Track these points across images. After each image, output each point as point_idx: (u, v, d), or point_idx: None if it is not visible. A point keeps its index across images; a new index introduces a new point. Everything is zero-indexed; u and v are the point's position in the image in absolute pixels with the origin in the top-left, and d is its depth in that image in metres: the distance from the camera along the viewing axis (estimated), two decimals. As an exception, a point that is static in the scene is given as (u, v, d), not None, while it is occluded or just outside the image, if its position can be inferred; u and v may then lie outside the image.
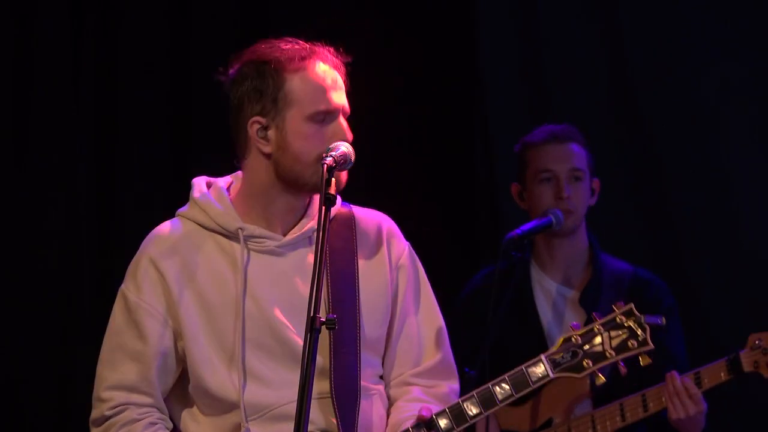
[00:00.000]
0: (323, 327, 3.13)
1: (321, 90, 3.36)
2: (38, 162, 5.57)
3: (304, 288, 3.36)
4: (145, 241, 3.53)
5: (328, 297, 3.41)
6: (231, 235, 3.45)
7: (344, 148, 3.33)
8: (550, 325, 4.74)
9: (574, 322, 3.42)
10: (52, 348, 5.53)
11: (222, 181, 3.57)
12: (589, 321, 3.43)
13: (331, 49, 3.43)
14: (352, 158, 3.35)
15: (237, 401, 3.36)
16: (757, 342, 4.47)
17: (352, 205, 3.58)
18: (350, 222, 3.52)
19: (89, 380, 5.44)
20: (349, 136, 3.38)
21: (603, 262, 4.81)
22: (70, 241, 5.57)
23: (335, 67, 3.40)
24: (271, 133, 3.40)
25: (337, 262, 3.46)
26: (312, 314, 3.12)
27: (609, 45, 5.65)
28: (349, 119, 3.45)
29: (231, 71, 3.46)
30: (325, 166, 3.25)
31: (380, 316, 3.49)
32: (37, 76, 5.59)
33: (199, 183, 3.58)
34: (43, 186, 5.57)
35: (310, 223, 3.46)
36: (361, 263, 3.48)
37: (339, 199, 3.53)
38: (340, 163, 3.30)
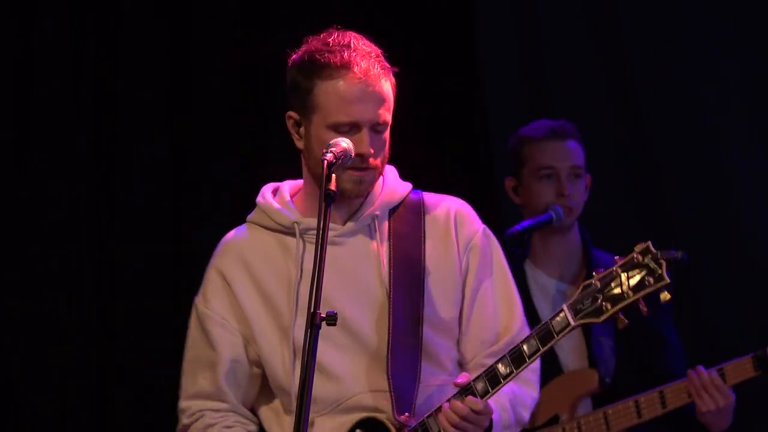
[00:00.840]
0: (323, 323, 3.12)
1: (346, 101, 3.37)
2: (38, 162, 5.56)
3: (366, 275, 3.43)
4: (215, 250, 3.60)
5: (390, 282, 3.43)
6: (290, 232, 3.50)
7: (344, 144, 3.33)
8: (548, 321, 4.73)
9: (599, 269, 3.35)
10: (51, 348, 5.53)
11: (287, 183, 3.62)
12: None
13: (375, 57, 3.41)
14: (353, 154, 3.35)
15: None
16: None
17: (423, 192, 3.60)
18: (419, 208, 3.54)
19: (88, 380, 5.51)
20: (368, 150, 3.37)
21: (596, 256, 4.82)
22: (70, 242, 5.57)
23: (374, 77, 3.39)
24: (301, 130, 3.45)
25: (404, 248, 3.47)
26: (312, 310, 3.12)
27: (609, 45, 5.66)
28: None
29: (292, 57, 3.48)
30: (325, 162, 3.25)
31: (450, 298, 3.49)
32: (37, 75, 5.58)
33: (265, 188, 3.63)
34: (43, 186, 5.56)
35: (369, 209, 3.48)
36: (429, 248, 3.49)
37: (409, 187, 3.57)
38: (341, 158, 3.30)
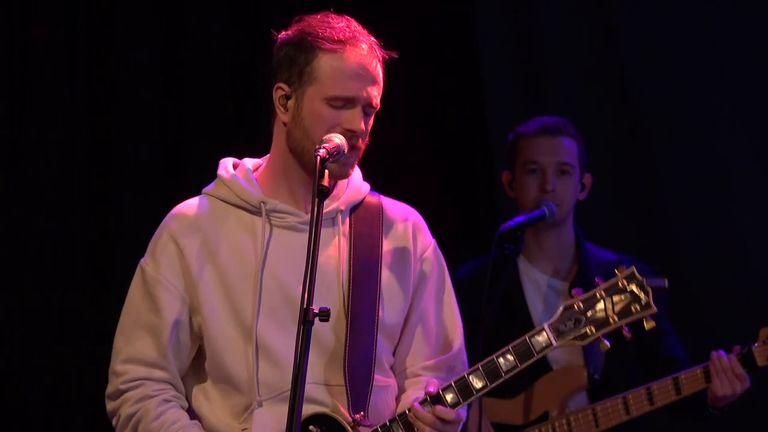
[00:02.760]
0: (316, 319, 3.11)
1: (346, 76, 3.36)
2: (33, 162, 5.57)
3: (327, 267, 3.40)
4: (167, 216, 3.53)
5: (349, 281, 3.42)
6: (254, 210, 3.46)
7: (337, 140, 3.33)
8: (541, 317, 4.74)
9: (576, 288, 3.37)
10: (46, 347, 5.54)
11: (249, 161, 3.58)
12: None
13: (373, 42, 3.43)
14: (346, 150, 3.35)
15: (250, 378, 3.37)
16: None
17: (381, 195, 3.59)
18: (378, 210, 3.53)
19: (83, 378, 5.51)
20: (360, 127, 3.37)
21: (589, 253, 4.83)
22: (64, 241, 5.57)
23: (372, 59, 3.40)
24: (290, 103, 3.41)
25: (361, 248, 3.46)
26: (305, 306, 3.11)
27: (606, 43, 5.67)
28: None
29: (282, 34, 3.47)
30: (318, 158, 3.25)
31: (399, 304, 3.49)
32: (31, 77, 5.59)
33: (225, 162, 3.59)
34: (38, 186, 5.57)
35: (334, 204, 3.47)
36: (386, 251, 3.49)
37: (368, 187, 3.56)
38: (333, 154, 3.30)
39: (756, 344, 4.51)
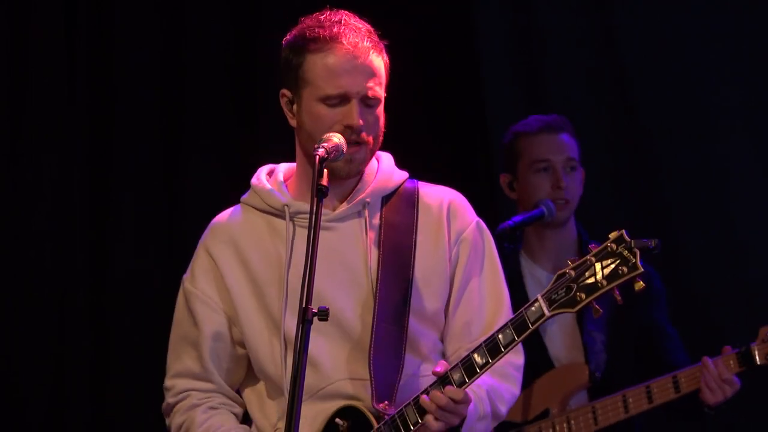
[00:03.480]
0: (315, 318, 3.12)
1: (334, 74, 3.37)
2: (33, 162, 5.57)
3: (352, 261, 3.42)
4: (206, 229, 3.59)
5: (378, 271, 3.42)
6: (281, 214, 3.49)
7: (336, 139, 3.33)
8: (542, 314, 4.75)
9: (572, 257, 3.35)
10: (46, 347, 5.53)
11: (283, 166, 3.61)
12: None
13: (365, 32, 3.42)
14: (345, 149, 3.34)
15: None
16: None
17: (419, 182, 3.59)
18: (413, 197, 3.53)
19: (83, 378, 5.51)
20: (357, 121, 3.37)
21: (591, 250, 4.82)
22: (64, 241, 5.57)
23: (363, 51, 3.39)
24: (294, 107, 3.45)
25: (394, 237, 3.47)
26: (304, 305, 3.11)
27: (606, 43, 5.67)
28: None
29: (285, 39, 3.48)
30: (317, 157, 3.25)
31: (437, 290, 3.48)
32: (31, 77, 5.59)
33: (261, 170, 3.62)
34: (38, 186, 5.57)
35: (360, 197, 3.47)
36: (420, 238, 3.48)
37: (404, 175, 3.57)
38: (332, 153, 3.30)
39: (755, 343, 4.51)
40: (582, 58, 5.67)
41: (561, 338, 4.73)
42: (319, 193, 3.21)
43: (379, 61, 3.42)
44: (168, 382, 3.56)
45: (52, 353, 5.53)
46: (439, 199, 3.55)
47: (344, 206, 3.48)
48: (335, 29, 3.39)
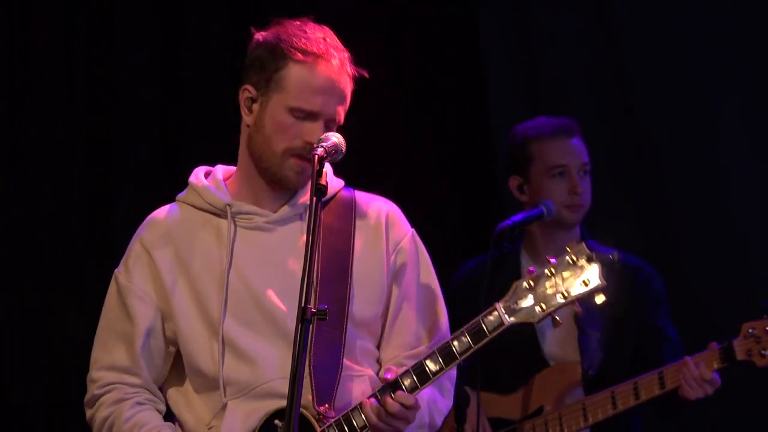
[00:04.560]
0: (314, 318, 3.12)
1: (312, 90, 3.39)
2: (33, 162, 5.57)
3: (292, 264, 3.41)
4: (140, 225, 3.59)
5: (318, 274, 3.42)
6: (221, 213, 3.49)
7: (335, 138, 3.34)
8: (541, 314, 4.75)
9: (531, 267, 3.36)
10: (46, 348, 5.53)
11: (220, 168, 3.63)
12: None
13: (346, 58, 3.44)
14: (343, 149, 3.35)
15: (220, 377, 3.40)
16: (750, 330, 4.51)
17: (355, 190, 3.60)
18: (350, 204, 3.54)
19: (83, 378, 5.50)
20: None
21: (590, 248, 4.82)
22: (64, 241, 5.57)
23: (342, 76, 3.41)
24: (255, 106, 3.45)
25: (332, 241, 3.48)
26: (303, 305, 3.11)
27: (606, 43, 5.68)
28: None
29: (258, 35, 3.49)
30: (316, 156, 3.25)
31: (374, 296, 3.49)
32: (31, 77, 5.59)
33: (198, 170, 3.64)
34: (38, 186, 5.57)
35: (301, 200, 3.48)
36: (358, 244, 3.50)
37: (341, 183, 3.58)
38: (331, 153, 3.31)
39: (737, 339, 4.52)
40: (582, 58, 5.67)
41: (556, 336, 4.74)
42: (318, 193, 3.22)
43: (349, 89, 3.45)
44: (94, 374, 3.52)
45: (52, 353, 5.53)
46: (376, 207, 3.57)
47: (285, 209, 3.49)
48: (322, 46, 3.40)
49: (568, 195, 4.76)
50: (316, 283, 3.41)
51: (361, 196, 3.59)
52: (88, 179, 5.62)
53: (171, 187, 5.58)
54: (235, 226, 3.47)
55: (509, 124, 5.02)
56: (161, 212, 3.59)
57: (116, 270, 3.55)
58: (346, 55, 3.44)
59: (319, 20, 3.56)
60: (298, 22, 3.46)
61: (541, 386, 4.70)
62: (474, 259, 4.92)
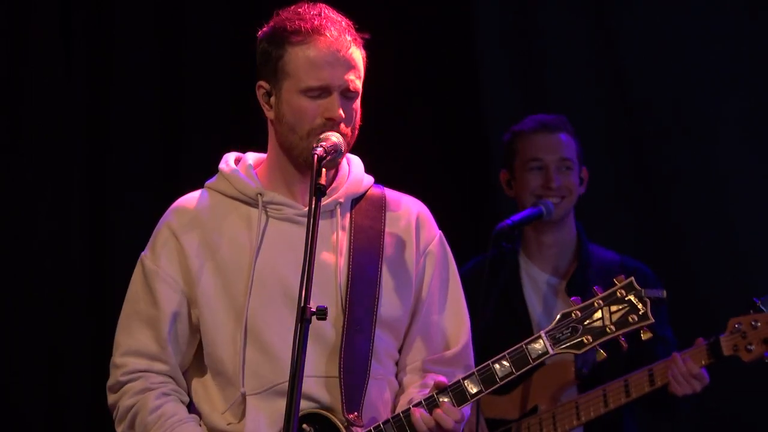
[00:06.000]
0: (314, 317, 3.11)
1: (317, 66, 3.36)
2: (33, 162, 5.57)
3: (323, 259, 3.39)
4: (168, 209, 3.55)
5: (348, 274, 3.41)
6: (252, 202, 3.47)
7: (334, 138, 3.33)
8: (539, 315, 4.76)
9: (575, 297, 3.38)
10: (46, 347, 5.54)
11: (251, 155, 3.59)
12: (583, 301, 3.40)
13: (345, 26, 3.42)
14: (343, 148, 3.35)
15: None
16: (736, 326, 4.53)
17: (385, 188, 3.58)
18: (381, 203, 3.53)
19: (83, 378, 5.51)
20: (338, 114, 3.36)
21: (590, 252, 4.84)
22: (64, 241, 5.58)
23: (343, 44, 3.38)
24: (272, 100, 3.44)
25: (362, 241, 3.46)
26: (303, 304, 3.10)
27: (606, 44, 5.68)
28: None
29: (260, 32, 3.48)
30: (315, 156, 3.25)
31: (402, 297, 3.47)
32: (31, 77, 5.60)
33: (227, 156, 3.60)
34: (38, 186, 5.57)
35: (333, 196, 3.46)
36: (388, 244, 3.48)
37: (371, 180, 3.56)
38: (331, 153, 3.30)
39: (724, 335, 4.54)
40: (582, 58, 5.67)
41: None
42: (317, 192, 3.20)
43: (358, 54, 3.42)
44: (119, 359, 3.46)
45: (52, 353, 5.53)
46: (407, 207, 3.56)
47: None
48: (316, 22, 3.38)
49: (543, 190, 4.77)
50: (347, 282, 3.40)
51: (391, 195, 3.57)
52: (88, 179, 5.62)
53: (170, 186, 5.63)
54: (267, 215, 3.45)
55: (508, 125, 5.02)
56: (189, 198, 3.55)
57: (142, 253, 3.52)
58: (345, 23, 3.42)
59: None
60: (292, 8, 3.44)
61: (535, 386, 4.70)
62: (473, 259, 4.93)
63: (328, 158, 3.29)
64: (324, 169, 3.27)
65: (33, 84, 5.58)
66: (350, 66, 3.39)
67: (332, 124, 3.35)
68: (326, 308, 3.13)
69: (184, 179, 5.61)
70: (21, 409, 5.49)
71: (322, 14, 3.41)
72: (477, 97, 5.75)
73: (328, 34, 3.37)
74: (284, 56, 3.38)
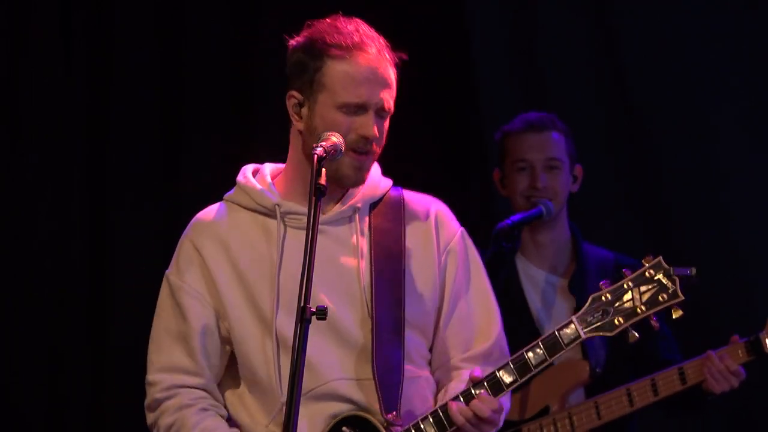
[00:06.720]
0: (314, 317, 3.10)
1: (356, 82, 3.36)
2: (33, 163, 5.57)
3: (344, 264, 3.41)
4: (189, 225, 3.55)
5: (371, 278, 3.42)
6: (270, 213, 3.47)
7: (334, 138, 3.32)
8: (540, 314, 4.75)
9: (603, 280, 3.39)
10: (46, 347, 5.54)
11: (268, 166, 3.59)
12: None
13: (383, 44, 3.42)
14: (343, 148, 3.35)
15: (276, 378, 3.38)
16: None
17: (403, 189, 3.58)
18: (399, 204, 3.53)
19: (83, 378, 5.52)
20: (373, 132, 3.36)
21: (586, 250, 4.84)
22: (64, 241, 5.58)
23: (382, 62, 3.39)
24: (304, 110, 3.42)
25: (384, 244, 3.46)
26: (303, 304, 3.10)
27: (606, 43, 5.67)
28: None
29: (292, 41, 3.46)
30: (315, 156, 3.25)
31: (427, 297, 3.48)
32: (30, 77, 5.60)
33: (245, 168, 3.60)
34: (38, 186, 5.57)
35: (351, 201, 3.47)
36: (409, 245, 3.48)
37: (389, 183, 3.56)
38: (331, 153, 3.30)
39: (763, 332, 4.55)
40: (582, 58, 5.67)
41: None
42: (317, 192, 3.20)
43: (392, 74, 3.42)
44: (153, 377, 3.47)
45: (52, 353, 5.53)
46: (425, 207, 3.56)
47: (335, 210, 3.47)
48: (356, 38, 3.37)
49: (529, 190, 4.77)
50: (371, 286, 3.41)
51: (410, 196, 3.57)
52: (88, 179, 5.62)
53: (170, 186, 5.64)
54: (285, 226, 3.45)
55: (502, 123, 5.02)
56: (208, 212, 3.55)
57: (167, 271, 3.52)
58: (382, 41, 3.42)
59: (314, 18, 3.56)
60: (328, 20, 3.43)
61: (544, 386, 4.67)
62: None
63: (327, 158, 3.27)
64: (324, 169, 3.25)
65: (33, 84, 5.58)
66: (387, 85, 3.40)
67: (365, 141, 3.37)
68: (326, 308, 3.12)
69: (184, 179, 5.64)
70: (21, 409, 5.49)
71: (361, 30, 3.40)
72: (476, 96, 5.75)
73: (370, 51, 3.37)
74: (322, 68, 3.37)
